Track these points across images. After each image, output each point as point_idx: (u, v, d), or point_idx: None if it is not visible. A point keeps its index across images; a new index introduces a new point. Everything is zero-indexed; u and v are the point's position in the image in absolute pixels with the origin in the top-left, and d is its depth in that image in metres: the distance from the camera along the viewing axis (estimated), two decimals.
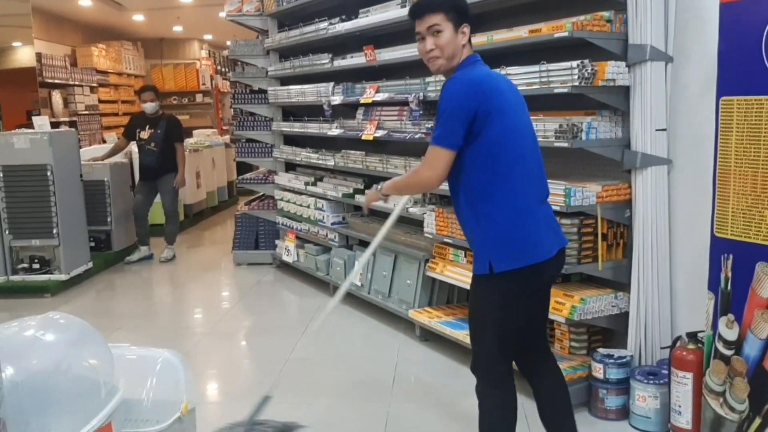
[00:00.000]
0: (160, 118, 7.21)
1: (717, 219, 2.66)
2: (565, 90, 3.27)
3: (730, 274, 2.61)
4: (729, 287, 2.61)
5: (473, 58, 2.52)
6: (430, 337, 4.46)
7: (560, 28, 3.27)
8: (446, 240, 4.29)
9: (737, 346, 2.60)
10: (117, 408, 2.09)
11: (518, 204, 2.41)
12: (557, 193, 3.35)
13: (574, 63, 3.23)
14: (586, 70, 3.19)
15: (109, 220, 7.03)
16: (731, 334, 2.61)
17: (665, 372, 3.10)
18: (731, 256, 2.60)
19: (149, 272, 7.00)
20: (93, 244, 6.83)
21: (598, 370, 3.35)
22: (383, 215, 5.33)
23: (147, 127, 7.16)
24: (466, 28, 2.50)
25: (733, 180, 2.58)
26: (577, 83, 3.23)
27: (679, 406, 2.96)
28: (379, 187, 2.83)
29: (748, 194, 2.53)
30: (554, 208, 3.38)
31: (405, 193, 2.83)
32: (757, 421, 2.56)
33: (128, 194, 7.50)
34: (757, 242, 2.51)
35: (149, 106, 7.15)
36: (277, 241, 6.70)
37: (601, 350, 3.44)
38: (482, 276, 2.45)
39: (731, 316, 2.61)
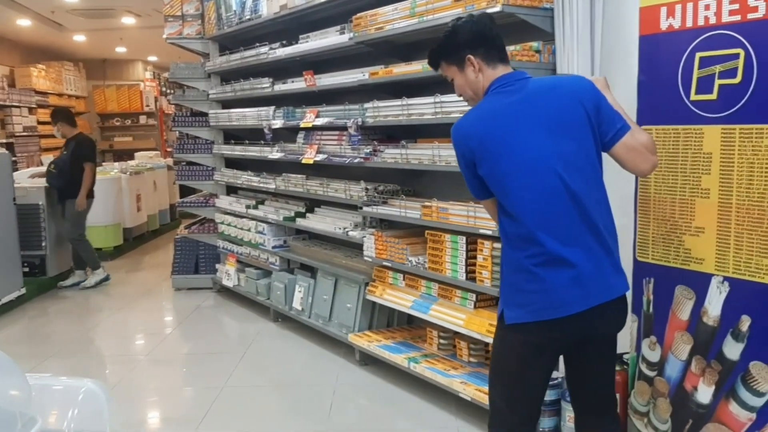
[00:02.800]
0: (71, 140, 6.96)
1: (638, 243, 2.74)
2: None
3: (651, 297, 2.69)
4: (651, 310, 2.69)
5: (493, 86, 2.29)
6: (369, 361, 4.46)
7: None
8: (385, 263, 4.31)
9: (659, 367, 2.68)
10: None
11: (525, 247, 2.18)
12: (489, 217, 3.41)
13: None
14: None
15: (43, 244, 6.85)
16: (654, 356, 2.69)
17: None
18: (652, 280, 2.68)
19: (85, 298, 6.81)
20: (27, 269, 6.63)
21: None
22: (324, 238, 5.34)
23: (63, 149, 7.04)
24: (472, 56, 2.29)
25: (653, 206, 2.67)
26: None
27: None
28: None
29: (667, 220, 2.62)
30: (485, 232, 3.47)
31: None
32: None
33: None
34: (676, 266, 2.60)
35: (57, 133, 7.13)
36: (217, 265, 6.62)
37: None
38: (499, 320, 2.30)
39: (653, 338, 2.68)
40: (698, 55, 2.49)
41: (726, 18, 2.38)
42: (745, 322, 2.40)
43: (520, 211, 2.18)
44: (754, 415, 2.41)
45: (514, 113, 2.20)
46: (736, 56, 2.36)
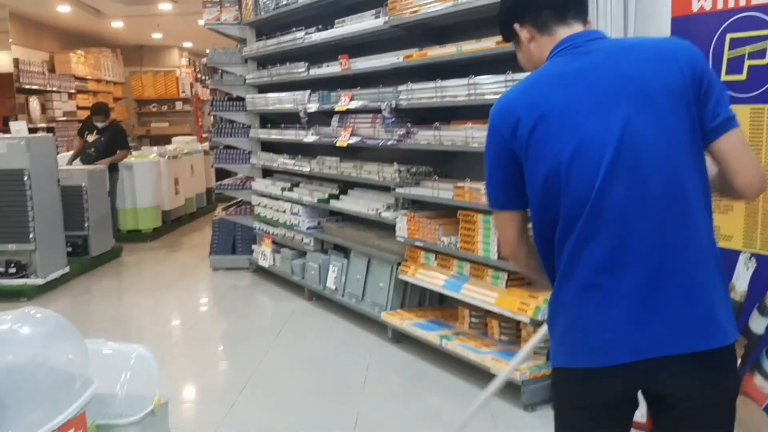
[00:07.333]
0: (107, 128, 8.09)
1: None
2: None
3: None
4: None
5: (552, 51, 1.70)
6: (401, 339, 4.56)
7: None
8: (418, 243, 4.40)
9: None
10: (91, 399, 2.16)
11: (563, 276, 1.63)
12: None
13: None
14: None
15: (86, 225, 7.05)
16: None
17: None
18: None
19: (126, 277, 7.04)
20: (70, 249, 6.85)
21: None
22: (358, 220, 5.45)
23: (98, 135, 8.02)
24: (518, 25, 1.76)
25: None
26: None
27: None
28: None
29: None
30: None
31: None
32: None
33: (106, 199, 7.55)
34: None
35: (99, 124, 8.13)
36: (253, 246, 6.78)
37: None
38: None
39: None
40: (728, 36, 2.53)
41: (755, 0, 2.42)
42: None
43: (559, 217, 1.61)
44: None
45: (580, 82, 1.59)
46: (765, 37, 2.40)
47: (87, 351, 2.26)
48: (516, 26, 1.78)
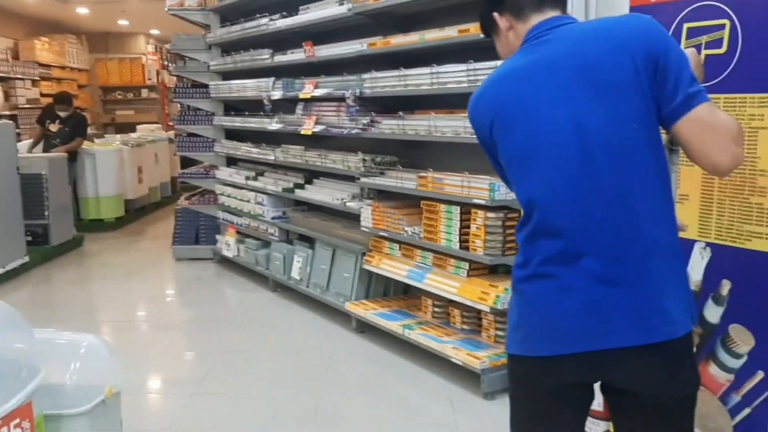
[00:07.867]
0: (71, 117, 8.02)
1: None
2: None
3: None
4: None
5: (523, 41, 1.71)
6: (366, 329, 4.55)
7: None
8: (382, 234, 4.39)
9: None
10: (38, 389, 2.11)
11: (521, 264, 1.65)
12: (482, 187, 3.48)
13: (499, 62, 3.35)
14: None
15: (46, 213, 6.91)
16: None
17: None
18: None
19: (88, 267, 6.92)
20: (30, 238, 6.71)
21: None
22: (323, 209, 5.41)
23: (61, 124, 7.93)
24: (497, 14, 1.75)
25: None
26: None
27: None
28: None
29: None
30: (478, 202, 3.54)
31: None
32: None
33: (67, 188, 7.41)
34: None
35: (63, 113, 8.01)
36: (217, 236, 6.70)
37: None
38: None
39: None
40: (686, 25, 2.54)
41: None
42: (726, 287, 2.47)
43: (522, 203, 1.65)
44: (732, 377, 2.49)
45: (533, 73, 1.61)
46: (722, 27, 2.41)
47: (34, 340, 2.21)
48: (495, 15, 1.77)
